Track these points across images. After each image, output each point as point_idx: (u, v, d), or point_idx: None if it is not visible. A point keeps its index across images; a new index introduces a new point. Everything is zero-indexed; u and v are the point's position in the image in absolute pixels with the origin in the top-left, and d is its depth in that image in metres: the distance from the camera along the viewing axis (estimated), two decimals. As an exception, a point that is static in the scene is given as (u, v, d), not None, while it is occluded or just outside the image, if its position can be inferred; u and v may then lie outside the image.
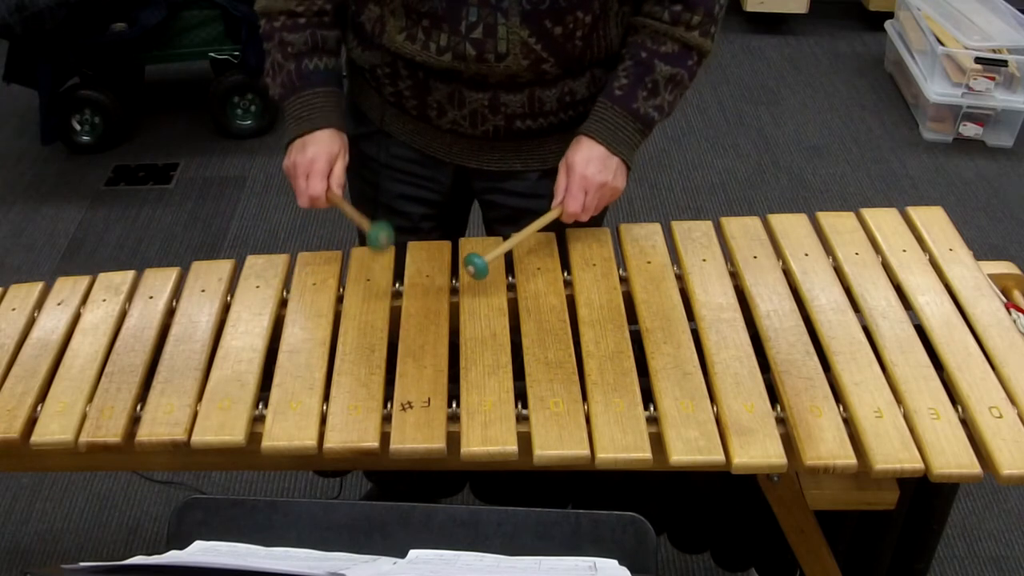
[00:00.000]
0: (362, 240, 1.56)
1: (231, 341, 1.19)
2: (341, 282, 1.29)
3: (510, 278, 1.27)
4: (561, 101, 1.30)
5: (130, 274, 1.32)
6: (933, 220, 1.37)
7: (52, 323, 1.25)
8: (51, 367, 1.18)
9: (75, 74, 3.00)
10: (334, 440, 1.04)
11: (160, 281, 1.31)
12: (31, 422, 1.11)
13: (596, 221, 1.39)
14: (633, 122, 1.25)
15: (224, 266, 1.32)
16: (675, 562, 1.84)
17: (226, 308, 1.26)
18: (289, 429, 1.06)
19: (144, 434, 1.07)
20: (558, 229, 1.34)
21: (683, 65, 1.25)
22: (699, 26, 1.23)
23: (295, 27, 1.28)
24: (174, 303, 1.28)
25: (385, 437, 1.05)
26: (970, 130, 3.15)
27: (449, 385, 1.10)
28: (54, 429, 1.08)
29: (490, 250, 1.24)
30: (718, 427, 1.04)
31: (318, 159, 1.25)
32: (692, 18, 1.22)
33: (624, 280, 1.27)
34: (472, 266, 1.20)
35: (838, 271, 1.28)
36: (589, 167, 1.24)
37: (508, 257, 1.30)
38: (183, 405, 1.10)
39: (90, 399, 1.12)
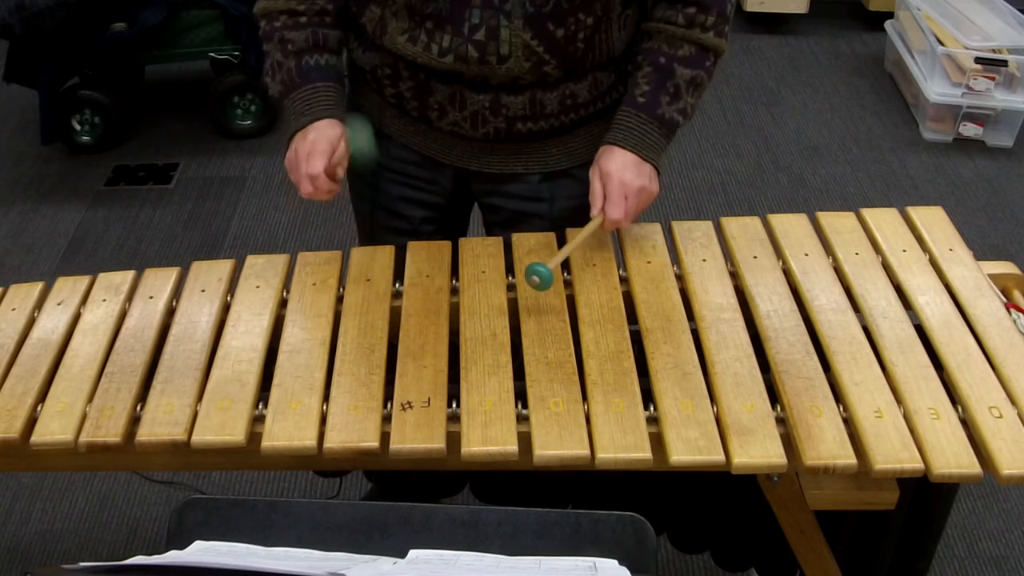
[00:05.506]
0: (362, 240, 1.56)
1: (231, 341, 1.19)
2: (341, 282, 1.28)
3: (510, 278, 1.27)
4: (562, 104, 1.30)
5: (130, 274, 1.32)
6: (933, 220, 1.37)
7: (52, 323, 1.25)
8: (51, 367, 1.18)
9: (75, 74, 3.00)
10: (334, 440, 1.04)
11: (160, 281, 1.31)
12: (31, 422, 1.10)
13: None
14: (659, 127, 1.26)
15: (224, 266, 1.32)
16: (675, 562, 1.84)
17: (226, 308, 1.26)
18: (289, 429, 1.06)
19: (144, 434, 1.07)
20: (558, 229, 1.34)
21: (702, 67, 1.26)
22: (714, 27, 1.24)
23: (296, 26, 1.28)
24: (174, 303, 1.28)
25: (385, 437, 1.04)
26: (970, 130, 3.15)
27: (449, 385, 1.10)
28: (54, 429, 1.08)
29: (544, 259, 1.20)
30: (718, 427, 1.04)
31: (319, 141, 1.23)
32: (707, 19, 1.23)
33: (624, 280, 1.27)
34: (536, 275, 1.16)
35: (838, 271, 1.28)
36: (626, 172, 1.24)
37: (508, 257, 1.30)
38: (183, 405, 1.10)
39: (90, 399, 1.12)
